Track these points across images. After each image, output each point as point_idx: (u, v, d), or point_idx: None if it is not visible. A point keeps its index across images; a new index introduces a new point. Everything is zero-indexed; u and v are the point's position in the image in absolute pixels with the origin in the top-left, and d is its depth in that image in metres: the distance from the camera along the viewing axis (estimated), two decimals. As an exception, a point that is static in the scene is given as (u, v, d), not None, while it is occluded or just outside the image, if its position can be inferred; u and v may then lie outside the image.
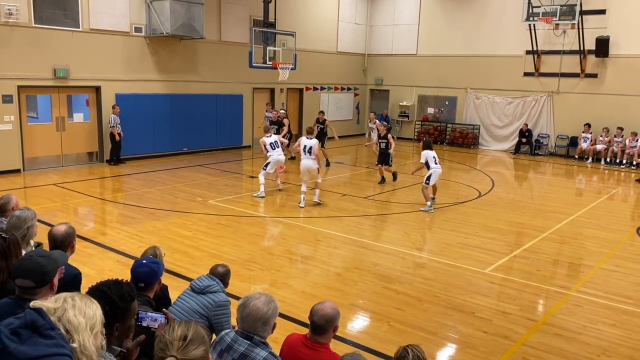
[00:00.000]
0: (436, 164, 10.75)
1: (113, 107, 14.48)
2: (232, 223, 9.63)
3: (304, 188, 10.91)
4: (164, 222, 9.47)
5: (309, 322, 3.21)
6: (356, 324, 5.93)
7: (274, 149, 11.59)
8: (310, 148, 10.76)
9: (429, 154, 10.75)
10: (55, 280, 2.77)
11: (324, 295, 6.45)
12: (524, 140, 19.76)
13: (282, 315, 5.50)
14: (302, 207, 10.70)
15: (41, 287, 2.67)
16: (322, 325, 3.16)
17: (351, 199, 11.64)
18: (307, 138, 10.97)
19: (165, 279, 3.97)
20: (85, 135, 14.89)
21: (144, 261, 3.44)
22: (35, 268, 2.66)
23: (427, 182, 10.74)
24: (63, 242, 3.59)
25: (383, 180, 13.31)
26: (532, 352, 5.28)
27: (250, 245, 8.32)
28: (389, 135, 13.14)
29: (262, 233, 9.02)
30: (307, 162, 10.79)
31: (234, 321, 4.15)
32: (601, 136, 18.08)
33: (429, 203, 10.73)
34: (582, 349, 5.37)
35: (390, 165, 13.40)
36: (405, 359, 2.68)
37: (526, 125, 19.67)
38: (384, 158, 13.18)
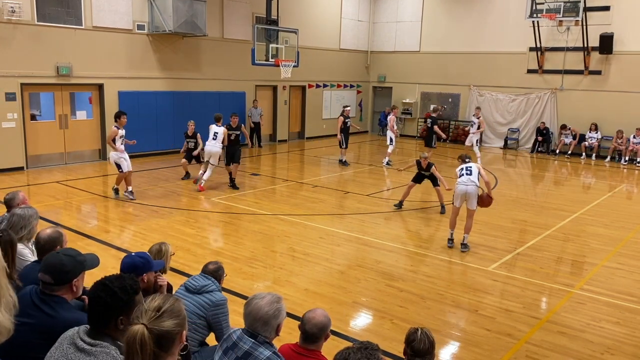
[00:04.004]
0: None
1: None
2: (235, 220, 9.64)
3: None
4: (167, 219, 9.48)
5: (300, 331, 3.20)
6: (359, 322, 5.92)
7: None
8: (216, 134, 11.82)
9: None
10: (78, 283, 2.76)
11: (326, 292, 6.46)
12: (540, 138, 19.47)
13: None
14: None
15: (60, 285, 2.69)
16: (315, 334, 3.15)
17: (354, 196, 11.63)
18: (217, 125, 11.94)
19: (168, 276, 3.96)
20: (89, 133, 14.90)
21: (132, 254, 3.50)
22: (56, 265, 2.69)
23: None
24: (44, 247, 3.48)
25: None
26: (536, 349, 5.27)
27: (253, 243, 8.32)
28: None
29: (265, 230, 9.01)
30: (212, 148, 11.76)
31: (232, 321, 4.14)
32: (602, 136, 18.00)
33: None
34: (586, 346, 5.35)
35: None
36: (414, 335, 3.13)
37: (543, 123, 19.34)
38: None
